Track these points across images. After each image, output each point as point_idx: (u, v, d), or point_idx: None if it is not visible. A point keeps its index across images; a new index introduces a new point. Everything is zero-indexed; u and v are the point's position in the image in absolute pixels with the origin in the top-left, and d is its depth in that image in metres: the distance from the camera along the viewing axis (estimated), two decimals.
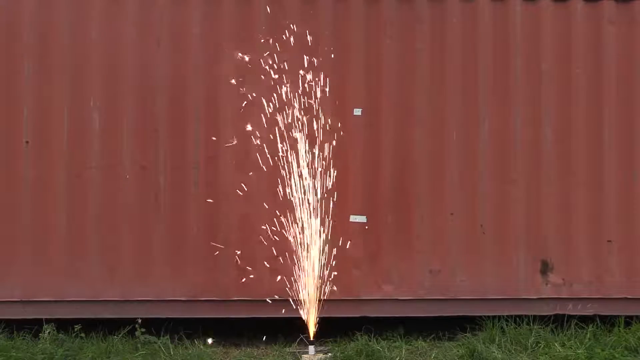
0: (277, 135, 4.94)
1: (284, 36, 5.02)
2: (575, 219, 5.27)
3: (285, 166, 4.86)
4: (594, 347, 4.79)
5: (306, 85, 4.97)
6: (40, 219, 4.98)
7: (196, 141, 5.09)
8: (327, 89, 5.02)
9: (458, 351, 4.84)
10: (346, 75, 5.16)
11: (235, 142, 5.02)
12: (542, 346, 4.85)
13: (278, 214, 4.89)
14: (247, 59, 5.04)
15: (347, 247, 4.99)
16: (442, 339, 5.22)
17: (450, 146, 5.24)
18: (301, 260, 4.72)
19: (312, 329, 4.71)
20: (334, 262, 4.83)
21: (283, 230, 4.84)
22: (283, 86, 4.96)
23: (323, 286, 4.74)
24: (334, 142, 4.99)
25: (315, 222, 4.74)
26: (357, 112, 5.16)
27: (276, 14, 5.08)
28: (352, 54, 5.19)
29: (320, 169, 4.85)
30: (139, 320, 4.91)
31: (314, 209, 4.75)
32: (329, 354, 4.77)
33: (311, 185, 4.78)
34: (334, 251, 4.87)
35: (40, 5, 5.04)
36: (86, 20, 5.06)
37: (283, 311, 4.75)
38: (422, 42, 5.25)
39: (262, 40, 5.05)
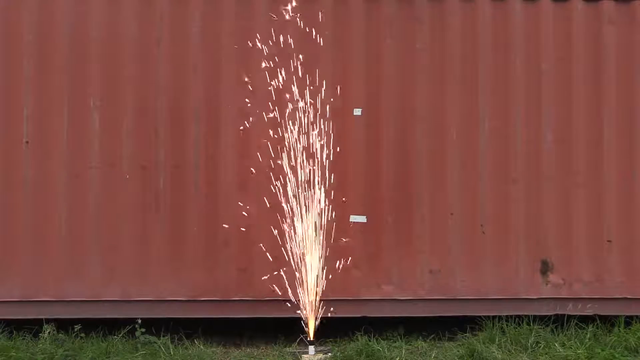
0: (277, 134, 4.94)
1: (284, 36, 5.02)
2: (575, 219, 5.27)
3: (285, 166, 4.86)
4: (594, 347, 4.79)
5: (306, 85, 4.97)
6: (40, 219, 4.97)
7: (196, 141, 5.09)
8: (327, 89, 5.02)
9: (458, 351, 4.84)
10: (346, 75, 5.16)
11: None
12: (542, 346, 4.85)
13: (278, 214, 4.89)
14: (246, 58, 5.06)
15: (347, 247, 4.99)
16: (442, 339, 5.22)
17: (450, 146, 5.24)
18: (301, 260, 4.72)
19: (312, 329, 4.71)
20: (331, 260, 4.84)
21: (283, 231, 4.85)
22: (282, 85, 4.97)
23: (322, 286, 4.75)
24: (334, 142, 4.99)
25: (315, 222, 4.73)
26: (357, 112, 5.17)
27: (276, 13, 5.08)
28: (352, 54, 5.19)
29: (320, 169, 4.85)
30: (139, 320, 4.91)
31: (314, 209, 4.75)
32: (329, 354, 4.77)
33: (311, 185, 4.78)
34: (334, 251, 4.88)
35: (40, 5, 5.04)
36: (86, 19, 5.06)
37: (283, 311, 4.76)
38: (422, 42, 5.25)
39: (262, 41, 5.06)
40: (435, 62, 5.26)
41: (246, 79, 5.06)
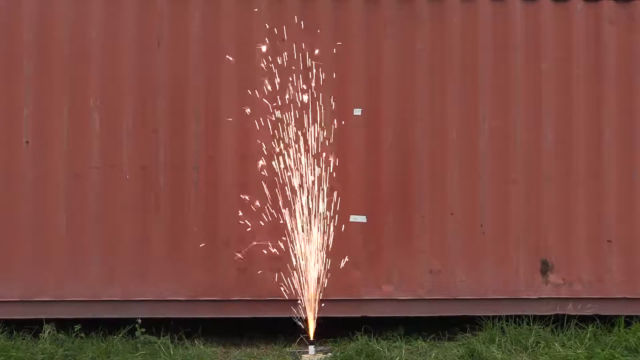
0: (277, 135, 4.94)
1: (283, 36, 5.02)
2: (575, 219, 5.27)
3: (285, 166, 4.86)
4: (594, 347, 4.79)
5: (306, 85, 4.97)
6: (40, 219, 4.97)
7: (196, 141, 5.09)
8: (327, 89, 5.02)
9: (458, 351, 4.84)
10: (346, 75, 5.16)
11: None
12: (542, 346, 4.86)
13: (278, 214, 4.89)
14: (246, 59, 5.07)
15: (347, 247, 4.99)
16: (442, 339, 5.22)
17: (450, 146, 5.24)
18: (301, 260, 4.72)
19: (312, 329, 4.72)
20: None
21: (282, 231, 4.85)
22: (282, 86, 4.97)
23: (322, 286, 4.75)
24: (334, 142, 4.99)
25: (315, 222, 4.74)
26: (357, 112, 5.17)
27: (276, 13, 5.08)
28: (352, 54, 5.18)
29: (320, 169, 4.85)
30: (139, 320, 4.91)
31: (314, 209, 4.75)
32: (329, 354, 4.77)
33: (311, 185, 4.78)
34: (334, 251, 4.88)
35: (40, 5, 5.03)
36: (86, 20, 5.06)
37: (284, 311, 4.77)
38: (422, 42, 5.25)
39: (262, 41, 5.06)
40: (435, 62, 5.26)
41: (246, 79, 5.05)
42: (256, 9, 5.09)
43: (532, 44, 5.31)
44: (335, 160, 4.97)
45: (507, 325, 5.05)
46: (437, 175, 5.22)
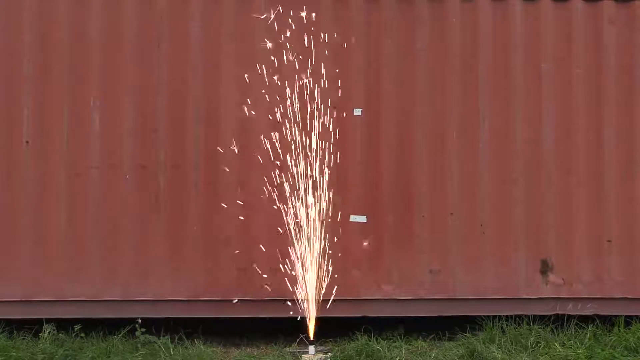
0: (277, 135, 4.95)
1: (283, 36, 5.02)
2: (575, 219, 5.27)
3: (285, 166, 4.86)
4: (594, 347, 4.79)
5: (306, 85, 4.97)
6: (40, 219, 4.97)
7: (196, 141, 5.09)
8: (327, 89, 5.02)
9: (458, 351, 4.83)
10: (346, 75, 5.16)
11: None
12: (542, 346, 4.85)
13: (278, 213, 4.89)
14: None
15: (347, 247, 4.99)
16: (442, 339, 5.22)
17: (450, 146, 5.24)
18: (301, 260, 4.72)
19: (312, 329, 4.71)
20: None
21: (282, 230, 4.85)
22: (283, 86, 4.97)
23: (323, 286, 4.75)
24: (334, 142, 4.99)
25: (315, 222, 4.74)
26: (357, 112, 5.17)
27: (276, 13, 5.08)
28: (352, 54, 5.18)
29: (320, 170, 4.85)
30: (139, 320, 4.90)
31: (313, 209, 4.75)
32: (329, 354, 4.77)
33: (311, 185, 4.78)
34: (334, 251, 4.88)
35: (40, 5, 5.04)
36: (86, 20, 5.06)
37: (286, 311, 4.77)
38: (422, 42, 5.25)
39: (262, 40, 5.06)
40: (435, 62, 5.26)
41: (246, 79, 5.05)
42: (256, 8, 5.09)
43: (532, 44, 5.31)
44: (336, 160, 4.97)
45: (507, 325, 5.04)
46: (437, 175, 5.22)
